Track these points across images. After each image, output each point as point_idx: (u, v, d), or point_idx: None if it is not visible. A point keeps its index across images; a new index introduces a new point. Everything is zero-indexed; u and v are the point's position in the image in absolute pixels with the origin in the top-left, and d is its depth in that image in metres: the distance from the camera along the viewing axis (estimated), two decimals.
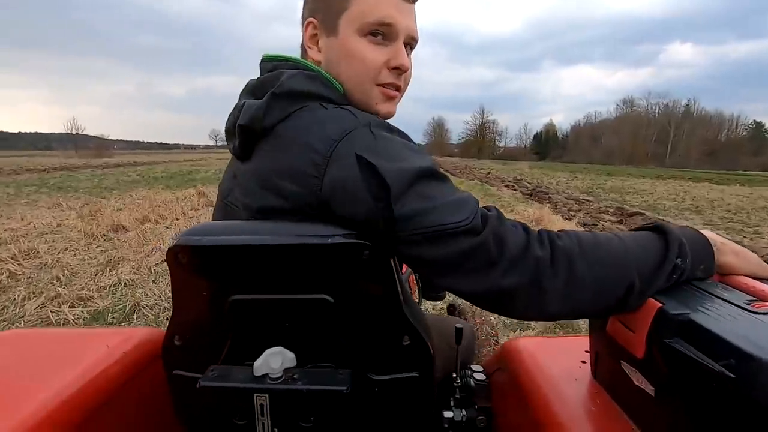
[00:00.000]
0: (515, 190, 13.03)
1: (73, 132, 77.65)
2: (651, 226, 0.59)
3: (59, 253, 4.12)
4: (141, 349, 0.77)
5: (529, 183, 15.41)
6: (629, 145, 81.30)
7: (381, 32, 0.63)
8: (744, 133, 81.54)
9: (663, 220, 7.55)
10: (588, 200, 10.53)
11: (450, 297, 2.08)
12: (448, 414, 0.80)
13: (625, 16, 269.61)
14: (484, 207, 0.55)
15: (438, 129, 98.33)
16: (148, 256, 4.02)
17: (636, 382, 0.55)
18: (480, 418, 0.81)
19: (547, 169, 29.87)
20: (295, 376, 0.55)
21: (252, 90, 0.66)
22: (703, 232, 0.60)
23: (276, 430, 0.56)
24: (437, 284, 0.55)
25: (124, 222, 5.38)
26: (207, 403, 0.57)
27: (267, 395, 0.54)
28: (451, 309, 1.55)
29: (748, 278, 0.58)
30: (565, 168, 32.61)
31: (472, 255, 0.50)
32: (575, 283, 0.51)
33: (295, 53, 0.71)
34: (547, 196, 11.11)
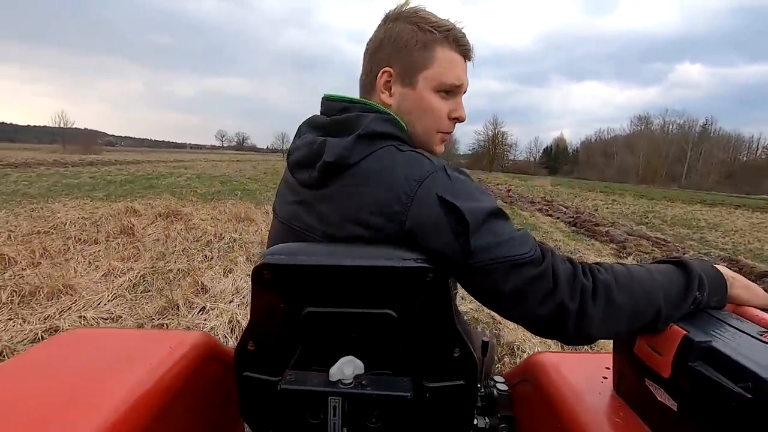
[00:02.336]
0: (551, 215, 10.35)
1: (61, 126, 75.47)
2: (674, 260, 0.69)
3: None
4: (197, 351, 0.84)
5: (565, 207, 12.70)
6: (645, 163, 78.69)
7: (451, 90, 0.76)
8: (764, 156, 78.69)
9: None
10: (661, 240, 7.82)
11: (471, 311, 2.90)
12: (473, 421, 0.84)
13: (635, 35, 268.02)
14: (539, 243, 0.63)
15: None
16: None
17: (659, 398, 0.63)
18: (502, 426, 0.89)
19: (567, 185, 27.15)
20: (364, 382, 0.63)
21: (323, 126, 0.75)
22: (717, 266, 0.70)
23: (345, 429, 0.61)
24: (500, 311, 0.64)
25: None
26: (283, 403, 0.62)
27: (340, 398, 0.61)
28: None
29: (757, 310, 0.67)
30: (589, 186, 29.78)
31: (536, 283, 0.60)
32: (612, 309, 0.61)
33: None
34: (599, 228, 8.42)
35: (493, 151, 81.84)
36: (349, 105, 0.75)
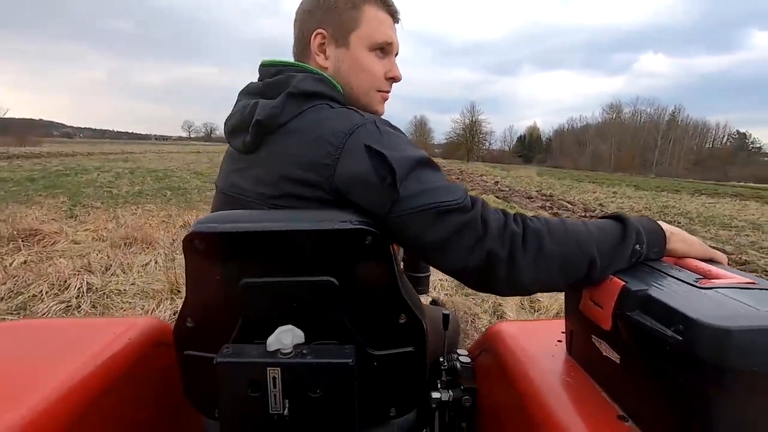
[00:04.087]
0: (558, 214, 8.48)
1: None
2: (612, 215, 0.70)
3: None
4: (145, 337, 0.82)
5: (568, 202, 10.87)
6: (617, 151, 79.25)
7: (383, 49, 0.78)
8: (728, 144, 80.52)
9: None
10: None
11: (433, 293, 2.84)
12: (435, 395, 0.84)
13: (602, 26, 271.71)
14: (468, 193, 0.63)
15: (420, 128, 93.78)
16: None
17: (604, 353, 0.63)
18: (465, 398, 0.87)
19: (554, 176, 25.58)
20: (304, 351, 0.60)
21: (257, 91, 0.74)
22: (658, 222, 0.71)
23: (287, 400, 0.59)
24: (431, 260, 0.64)
25: None
26: (221, 378, 0.60)
27: (279, 368, 0.59)
28: (434, 303, 1.58)
29: (697, 261, 0.68)
30: (576, 176, 28.34)
31: (464, 230, 0.60)
32: (543, 257, 0.61)
33: (283, 54, 0.80)
34: None
35: (471, 140, 79.91)
36: (282, 68, 0.75)
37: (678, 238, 0.71)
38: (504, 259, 0.60)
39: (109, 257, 3.74)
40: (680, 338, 0.47)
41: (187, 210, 6.36)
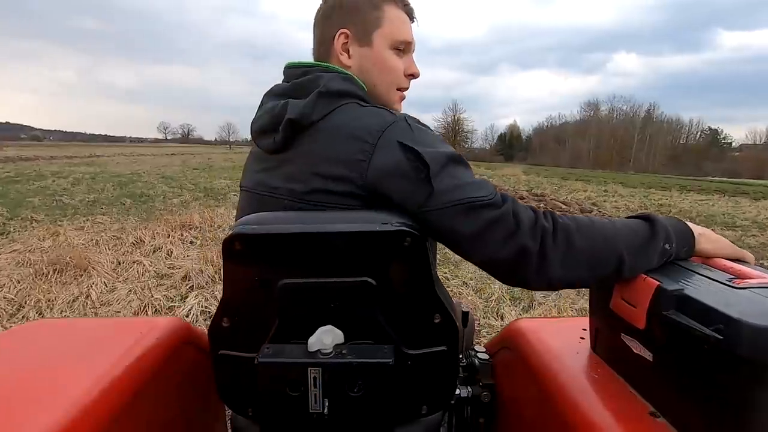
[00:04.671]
0: None
1: None
2: (642, 215, 0.70)
3: None
4: (169, 337, 0.81)
5: (562, 203, 10.38)
6: (595, 148, 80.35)
7: (402, 47, 0.79)
8: (701, 140, 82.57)
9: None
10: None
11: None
12: (455, 391, 0.84)
13: (576, 26, 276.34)
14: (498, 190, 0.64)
15: None
16: None
17: (636, 351, 0.63)
18: (484, 393, 0.89)
19: (536, 174, 25.27)
20: (344, 351, 0.61)
21: (285, 92, 0.75)
22: (686, 222, 0.71)
23: (327, 400, 0.60)
24: (463, 252, 0.64)
25: None
26: (262, 378, 0.60)
27: (320, 368, 0.59)
28: None
29: (725, 260, 0.68)
30: (560, 173, 28.17)
31: (495, 225, 0.61)
32: (572, 252, 0.61)
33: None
34: None
35: (454, 138, 79.53)
36: (308, 69, 0.75)
37: (707, 238, 0.71)
38: (535, 253, 0.60)
39: (25, 291, 2.94)
40: (720, 337, 0.48)
41: (146, 222, 5.54)
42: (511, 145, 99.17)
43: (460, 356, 0.91)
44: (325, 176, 0.65)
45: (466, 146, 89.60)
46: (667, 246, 0.65)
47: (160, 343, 0.78)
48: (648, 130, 79.92)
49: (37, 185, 9.33)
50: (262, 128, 0.74)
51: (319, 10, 0.80)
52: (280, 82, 0.79)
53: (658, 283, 0.59)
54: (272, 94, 0.77)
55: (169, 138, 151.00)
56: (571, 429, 0.62)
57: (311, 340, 0.61)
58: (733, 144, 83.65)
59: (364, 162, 0.63)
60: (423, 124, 0.69)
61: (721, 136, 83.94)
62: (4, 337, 0.82)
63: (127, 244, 4.34)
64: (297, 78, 0.74)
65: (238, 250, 0.62)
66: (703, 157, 72.46)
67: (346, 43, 0.77)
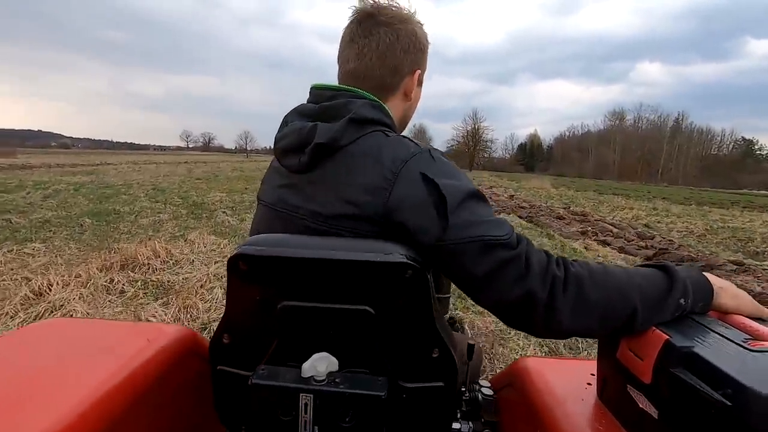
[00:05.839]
0: (609, 245, 6.32)
1: None
2: (658, 264, 0.67)
3: None
4: (177, 345, 0.80)
5: (611, 225, 8.67)
6: (620, 158, 77.32)
7: None
8: (734, 150, 78.56)
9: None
10: None
11: (452, 311, 2.41)
12: (455, 426, 0.81)
13: (597, 35, 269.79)
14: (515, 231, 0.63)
15: (420, 137, 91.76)
16: None
17: (641, 405, 0.60)
18: (486, 431, 0.84)
19: (567, 187, 23.34)
20: (337, 380, 0.60)
21: (312, 113, 0.74)
22: (705, 274, 0.68)
23: (317, 428, 0.59)
24: (471, 292, 0.63)
25: None
26: (254, 399, 0.60)
27: (312, 395, 0.58)
28: (451, 322, 1.56)
29: (744, 318, 0.63)
30: (598, 187, 26.10)
31: (507, 266, 0.59)
32: (583, 302, 0.59)
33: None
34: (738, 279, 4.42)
35: (474, 147, 77.42)
36: (337, 93, 0.75)
37: (727, 293, 0.67)
38: (543, 300, 0.59)
39: None
40: (729, 403, 0.45)
41: (94, 252, 4.25)
42: (532, 155, 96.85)
43: (464, 390, 0.87)
44: (348, 201, 0.65)
45: (486, 156, 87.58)
46: (682, 301, 0.63)
47: (166, 350, 0.77)
48: (677, 140, 76.56)
49: (4, 198, 8.19)
50: (287, 148, 0.73)
51: (384, 38, 0.76)
52: (305, 102, 0.78)
53: (667, 337, 0.57)
54: (298, 113, 0.76)
55: (191, 146, 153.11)
56: None
57: (305, 366, 0.60)
58: None
59: (386, 189, 0.63)
60: (447, 157, 0.69)
61: (757, 147, 79.70)
62: (15, 334, 0.83)
63: (19, 297, 2.97)
64: (326, 101, 0.73)
65: (242, 270, 0.62)
66: (738, 168, 68.77)
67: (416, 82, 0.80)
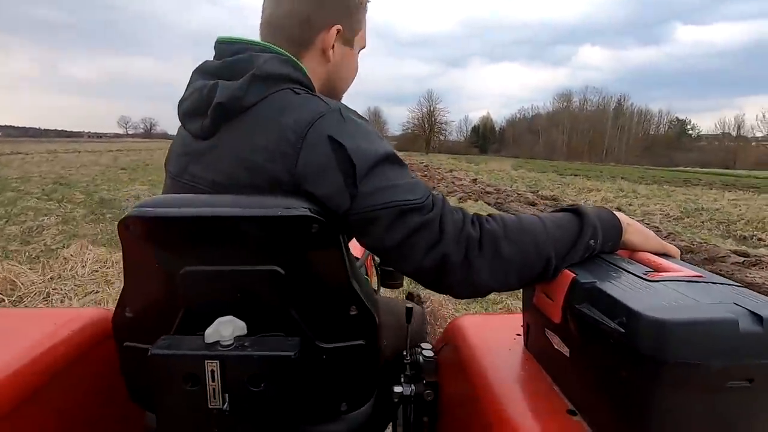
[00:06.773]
0: None
1: None
2: (571, 208, 0.67)
3: None
4: (90, 329, 0.77)
5: None
6: (569, 139, 79.90)
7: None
8: (669, 130, 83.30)
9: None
10: None
11: (410, 285, 2.60)
12: (398, 389, 0.82)
13: (544, 20, 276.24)
14: (431, 191, 0.61)
15: (375, 120, 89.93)
16: None
17: (556, 346, 0.62)
18: (427, 392, 0.84)
19: (528, 169, 23.03)
20: (246, 344, 0.57)
21: (214, 71, 0.68)
22: (615, 212, 0.69)
23: (227, 395, 0.56)
24: (388, 261, 0.62)
25: None
26: (158, 371, 0.57)
27: (218, 361, 0.55)
28: (410, 296, 1.60)
29: (650, 254, 0.66)
30: (556, 168, 26.01)
31: (420, 232, 0.58)
32: (499, 260, 0.59)
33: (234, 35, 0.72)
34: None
35: (430, 130, 76.64)
36: (244, 47, 0.68)
37: (634, 229, 0.69)
38: (458, 262, 0.58)
39: None
40: (623, 330, 0.47)
41: None
42: (485, 138, 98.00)
43: (405, 353, 0.88)
44: (252, 169, 0.60)
45: (442, 138, 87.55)
46: (591, 242, 0.63)
47: (77, 336, 0.75)
48: (620, 121, 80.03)
49: None
50: (188, 111, 0.68)
51: None
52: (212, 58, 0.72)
53: (573, 275, 0.58)
54: (201, 71, 0.70)
55: (130, 132, 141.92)
56: (491, 428, 0.60)
57: (208, 331, 0.57)
58: (701, 134, 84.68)
59: (291, 157, 0.58)
60: (360, 117, 0.64)
61: (689, 126, 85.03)
62: None
63: None
64: (230, 56, 0.67)
65: (135, 233, 0.58)
66: (674, 147, 73.09)
67: (334, 39, 0.73)
